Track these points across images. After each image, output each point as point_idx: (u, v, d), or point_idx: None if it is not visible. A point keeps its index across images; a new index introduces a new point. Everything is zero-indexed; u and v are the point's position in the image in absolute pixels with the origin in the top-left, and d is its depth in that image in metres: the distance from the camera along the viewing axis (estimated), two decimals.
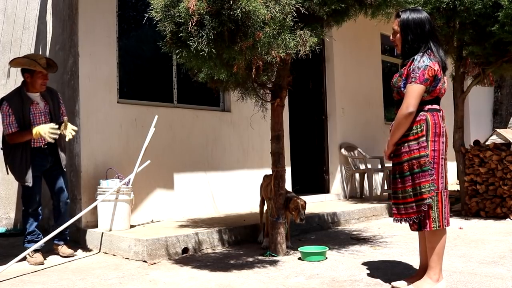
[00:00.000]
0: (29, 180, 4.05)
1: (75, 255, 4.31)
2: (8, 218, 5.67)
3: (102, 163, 4.92)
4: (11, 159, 4.09)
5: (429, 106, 2.85)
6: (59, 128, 4.10)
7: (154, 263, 3.92)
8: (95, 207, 4.50)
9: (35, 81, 4.14)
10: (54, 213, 4.34)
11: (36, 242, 4.06)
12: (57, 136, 4.09)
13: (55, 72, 4.41)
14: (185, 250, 4.26)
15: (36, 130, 3.99)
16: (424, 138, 2.80)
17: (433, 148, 2.81)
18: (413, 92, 2.78)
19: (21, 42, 5.76)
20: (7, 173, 4.21)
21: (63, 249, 4.28)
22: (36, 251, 4.04)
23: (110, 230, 4.51)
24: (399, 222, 2.96)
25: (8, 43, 5.97)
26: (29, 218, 4.13)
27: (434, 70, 2.79)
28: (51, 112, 4.23)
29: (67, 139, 4.18)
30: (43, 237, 4.09)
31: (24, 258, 3.93)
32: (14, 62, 4.25)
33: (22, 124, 4.06)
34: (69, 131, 4.15)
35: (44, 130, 3.99)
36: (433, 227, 2.80)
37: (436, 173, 2.80)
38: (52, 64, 4.28)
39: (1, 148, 4.24)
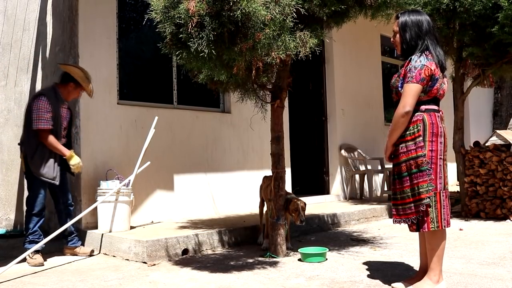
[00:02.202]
0: (57, 179, 4.16)
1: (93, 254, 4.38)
2: (8, 220, 5.66)
3: (102, 164, 4.92)
4: (40, 156, 4.08)
5: (426, 106, 2.85)
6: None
7: (154, 264, 3.92)
8: (95, 208, 4.50)
9: (72, 94, 4.30)
10: (59, 217, 4.37)
11: (37, 242, 4.07)
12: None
13: (91, 97, 4.47)
14: (185, 251, 4.26)
15: (74, 157, 4.15)
16: (421, 138, 2.81)
17: (430, 148, 2.81)
18: (410, 91, 2.79)
19: (21, 43, 5.76)
20: (23, 171, 4.20)
21: (82, 249, 4.37)
22: (36, 252, 4.04)
23: (110, 231, 4.51)
24: (398, 223, 2.96)
25: (8, 44, 5.97)
26: (33, 218, 4.14)
27: (431, 69, 2.79)
28: (70, 120, 4.37)
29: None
30: (44, 238, 4.10)
31: (24, 259, 3.93)
32: (67, 66, 4.34)
33: (54, 123, 4.11)
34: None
35: (77, 162, 4.16)
36: (431, 227, 2.80)
37: (434, 173, 2.80)
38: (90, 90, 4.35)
39: (20, 144, 4.21)
